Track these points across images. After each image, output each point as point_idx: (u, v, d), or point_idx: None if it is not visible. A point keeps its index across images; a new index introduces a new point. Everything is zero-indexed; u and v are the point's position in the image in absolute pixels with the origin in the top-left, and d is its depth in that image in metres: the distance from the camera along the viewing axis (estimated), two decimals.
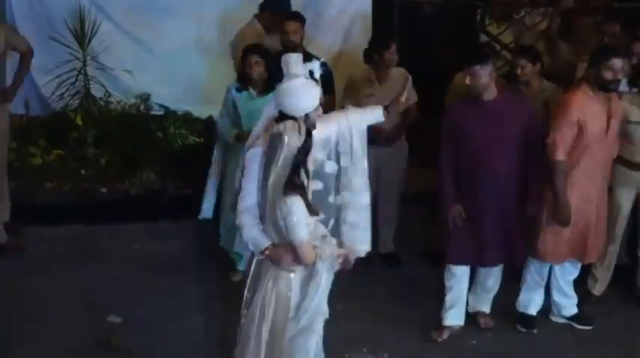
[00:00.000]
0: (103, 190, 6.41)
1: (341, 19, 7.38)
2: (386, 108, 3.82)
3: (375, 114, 3.80)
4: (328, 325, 3.59)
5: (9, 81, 5.98)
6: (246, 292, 3.48)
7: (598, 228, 4.65)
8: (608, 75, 4.38)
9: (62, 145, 6.69)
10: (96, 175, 6.53)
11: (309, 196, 3.32)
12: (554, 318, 4.95)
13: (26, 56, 5.74)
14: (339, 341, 4.10)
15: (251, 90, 4.96)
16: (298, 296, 3.38)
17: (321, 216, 3.45)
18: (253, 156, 3.32)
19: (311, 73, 3.37)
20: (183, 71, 7.01)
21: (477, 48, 6.67)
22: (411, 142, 5.65)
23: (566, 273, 4.82)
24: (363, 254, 3.73)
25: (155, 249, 5.74)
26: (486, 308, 4.89)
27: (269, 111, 3.43)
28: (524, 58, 5.06)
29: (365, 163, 3.67)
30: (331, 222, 3.59)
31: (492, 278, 4.77)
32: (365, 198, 3.69)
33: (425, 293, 5.10)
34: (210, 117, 6.77)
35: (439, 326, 4.72)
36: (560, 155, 4.43)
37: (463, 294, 4.73)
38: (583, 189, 4.52)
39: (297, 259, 3.27)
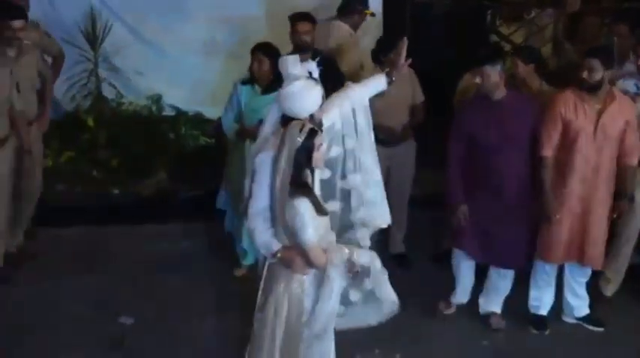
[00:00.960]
0: (115, 191, 6.43)
1: None
2: (388, 75, 3.76)
3: (378, 84, 3.75)
4: None
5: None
6: (259, 296, 3.47)
7: (595, 232, 4.59)
8: (584, 74, 4.40)
9: (74, 147, 6.71)
10: (107, 176, 6.54)
11: (317, 191, 3.32)
12: (565, 319, 4.94)
13: (58, 60, 5.75)
14: (350, 343, 4.09)
15: (256, 86, 5.01)
16: (312, 298, 3.36)
17: (335, 204, 3.47)
18: (263, 161, 3.29)
19: (310, 74, 3.36)
20: (194, 72, 7.01)
21: (487, 48, 6.66)
22: (419, 143, 5.65)
23: (578, 274, 4.80)
24: (385, 225, 3.77)
25: (167, 250, 5.76)
26: (498, 309, 4.90)
27: (273, 115, 3.42)
28: (516, 57, 5.09)
29: (372, 137, 3.65)
30: (339, 205, 3.59)
31: (504, 280, 4.78)
32: (377, 174, 3.68)
33: (435, 294, 5.08)
34: (220, 118, 6.77)
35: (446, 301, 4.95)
36: (546, 151, 4.47)
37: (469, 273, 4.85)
38: (578, 192, 4.51)
39: (309, 262, 3.27)
